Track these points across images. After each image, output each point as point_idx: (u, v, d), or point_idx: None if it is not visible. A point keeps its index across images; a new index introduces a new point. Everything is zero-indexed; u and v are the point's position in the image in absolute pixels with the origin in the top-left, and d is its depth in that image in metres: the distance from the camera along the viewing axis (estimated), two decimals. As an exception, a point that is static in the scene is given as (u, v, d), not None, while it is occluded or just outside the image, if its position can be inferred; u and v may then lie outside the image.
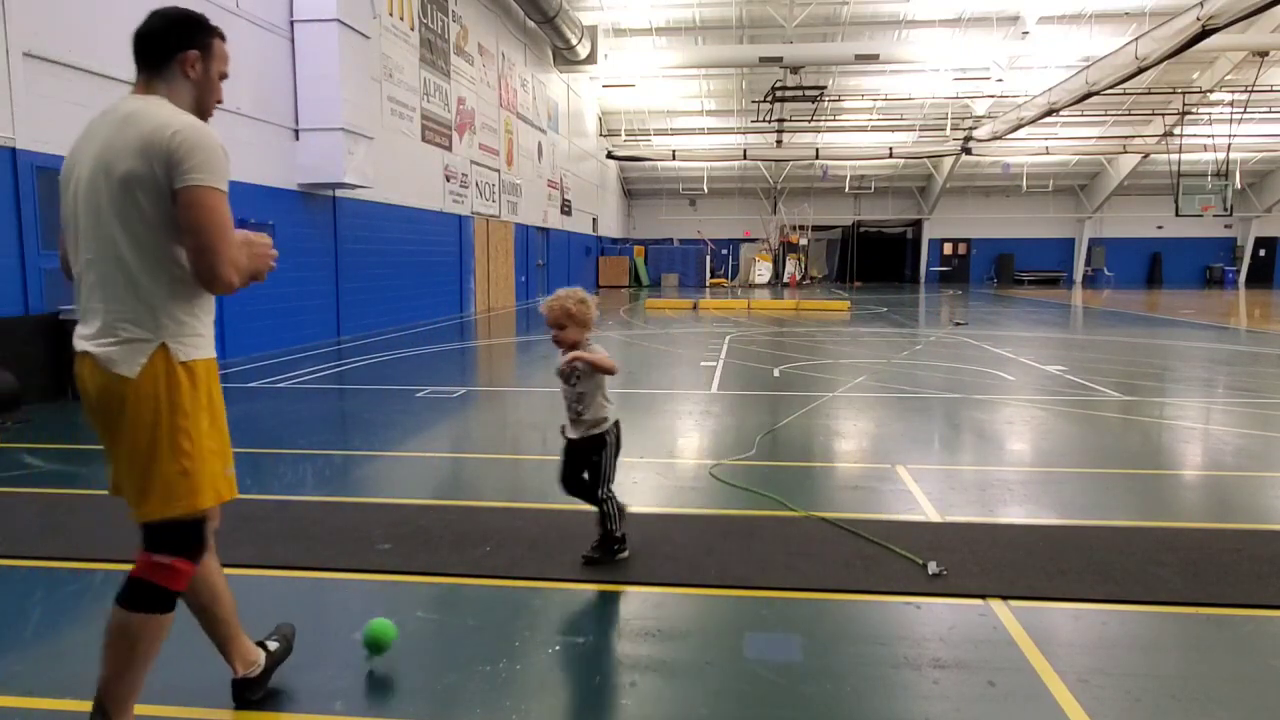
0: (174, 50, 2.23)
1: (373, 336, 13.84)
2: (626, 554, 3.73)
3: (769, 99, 27.81)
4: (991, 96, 29.59)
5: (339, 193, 13.38)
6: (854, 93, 30.83)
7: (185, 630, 3.09)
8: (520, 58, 22.95)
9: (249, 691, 2.60)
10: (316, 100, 12.10)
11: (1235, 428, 6.82)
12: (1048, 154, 33.49)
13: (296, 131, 12.20)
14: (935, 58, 25.66)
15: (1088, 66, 21.38)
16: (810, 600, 3.35)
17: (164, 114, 2.13)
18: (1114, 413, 7.39)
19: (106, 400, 2.15)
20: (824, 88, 27.73)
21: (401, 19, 15.30)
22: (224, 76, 2.40)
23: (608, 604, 3.32)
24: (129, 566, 3.75)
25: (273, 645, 2.72)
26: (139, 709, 2.55)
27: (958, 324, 16.86)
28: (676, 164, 35.50)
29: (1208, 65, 27.29)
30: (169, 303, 2.16)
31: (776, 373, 9.79)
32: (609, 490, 3.68)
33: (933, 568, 3.57)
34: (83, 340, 2.17)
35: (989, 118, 30.28)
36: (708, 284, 34.93)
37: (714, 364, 10.55)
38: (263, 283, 2.35)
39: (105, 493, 4.95)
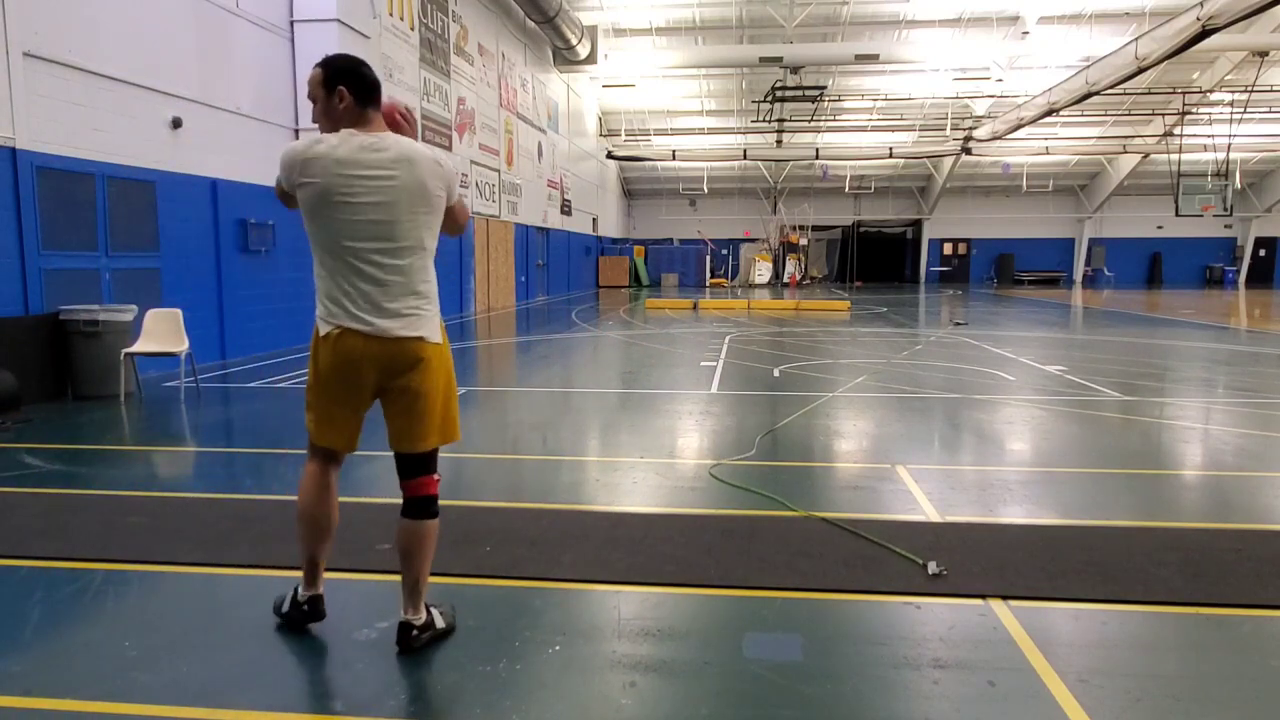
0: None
1: (373, 336, 13.80)
2: None
3: (769, 99, 27.81)
4: (991, 96, 29.59)
5: (339, 193, 13.36)
6: (854, 93, 30.83)
7: (188, 630, 3.09)
8: (520, 58, 22.95)
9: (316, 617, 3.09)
10: (316, 100, 12.09)
11: (1235, 428, 6.81)
12: (1048, 154, 33.48)
13: (297, 131, 12.19)
14: (935, 58, 25.66)
15: (1088, 66, 21.38)
16: (810, 600, 3.35)
17: (424, 148, 2.89)
18: (1114, 413, 7.39)
19: (412, 363, 2.83)
20: (824, 88, 27.73)
21: (401, 19, 15.30)
22: None
23: (608, 604, 3.32)
24: (129, 566, 3.75)
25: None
26: (137, 709, 2.56)
27: (958, 324, 16.86)
28: (676, 164, 35.50)
29: (1208, 65, 27.29)
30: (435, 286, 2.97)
31: (776, 373, 9.79)
32: None
33: (933, 568, 3.57)
34: (383, 321, 2.80)
35: (989, 118, 30.28)
36: (708, 284, 34.94)
37: (714, 364, 10.55)
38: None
39: (105, 493, 4.94)
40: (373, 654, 2.91)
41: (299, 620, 3.07)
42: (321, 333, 2.85)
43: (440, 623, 3.00)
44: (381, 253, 2.78)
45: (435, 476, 2.95)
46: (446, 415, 2.94)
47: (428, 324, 2.86)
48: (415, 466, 2.91)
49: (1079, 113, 27.83)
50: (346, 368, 2.83)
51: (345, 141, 2.76)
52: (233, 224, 10.78)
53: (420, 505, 2.91)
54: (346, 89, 2.79)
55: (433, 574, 3.58)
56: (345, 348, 2.81)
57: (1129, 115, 31.84)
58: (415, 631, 2.90)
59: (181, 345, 8.17)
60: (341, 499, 4.73)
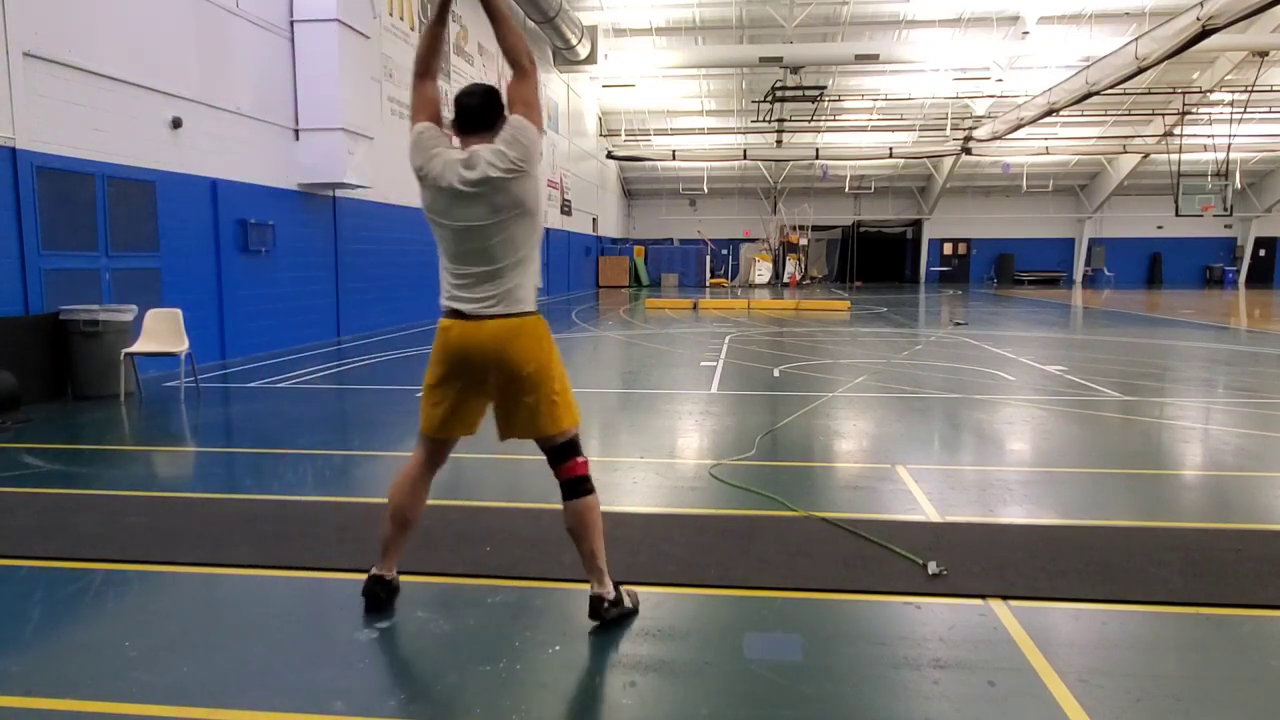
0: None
1: (373, 336, 13.84)
2: None
3: (769, 99, 27.81)
4: (991, 96, 29.58)
5: (339, 193, 13.39)
6: (854, 93, 30.82)
7: (188, 630, 3.09)
8: (520, 58, 22.91)
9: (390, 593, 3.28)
10: (316, 100, 12.10)
11: (1235, 428, 6.82)
12: (1048, 154, 33.47)
13: (297, 131, 12.20)
14: (935, 58, 25.66)
15: (1088, 66, 21.37)
16: (810, 600, 3.35)
17: (490, 153, 2.97)
18: (1114, 413, 7.39)
19: (511, 345, 3.04)
20: (824, 88, 27.73)
21: (401, 19, 15.31)
22: None
23: (608, 604, 3.32)
24: (129, 566, 3.77)
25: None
26: (137, 709, 2.56)
27: (958, 324, 16.86)
28: (676, 164, 35.49)
29: (1208, 65, 27.30)
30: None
31: (776, 373, 9.79)
32: None
33: (933, 568, 3.57)
34: (475, 307, 3.03)
35: (989, 118, 30.27)
36: (708, 284, 34.93)
37: (714, 364, 10.55)
38: None
39: (105, 493, 4.95)
40: (373, 654, 2.91)
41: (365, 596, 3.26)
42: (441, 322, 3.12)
43: (628, 602, 3.20)
44: (478, 261, 2.99)
45: (580, 459, 3.17)
46: (549, 404, 3.13)
47: (519, 305, 3.05)
48: (553, 454, 3.18)
49: (1079, 113, 27.82)
50: (450, 351, 3.08)
51: (448, 166, 2.95)
52: (233, 224, 10.78)
53: (569, 486, 3.16)
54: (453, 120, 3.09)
55: (433, 574, 3.60)
56: (450, 332, 3.06)
57: (1129, 115, 31.84)
58: (606, 604, 3.11)
59: (181, 345, 8.16)
60: (348, 499, 4.77)
